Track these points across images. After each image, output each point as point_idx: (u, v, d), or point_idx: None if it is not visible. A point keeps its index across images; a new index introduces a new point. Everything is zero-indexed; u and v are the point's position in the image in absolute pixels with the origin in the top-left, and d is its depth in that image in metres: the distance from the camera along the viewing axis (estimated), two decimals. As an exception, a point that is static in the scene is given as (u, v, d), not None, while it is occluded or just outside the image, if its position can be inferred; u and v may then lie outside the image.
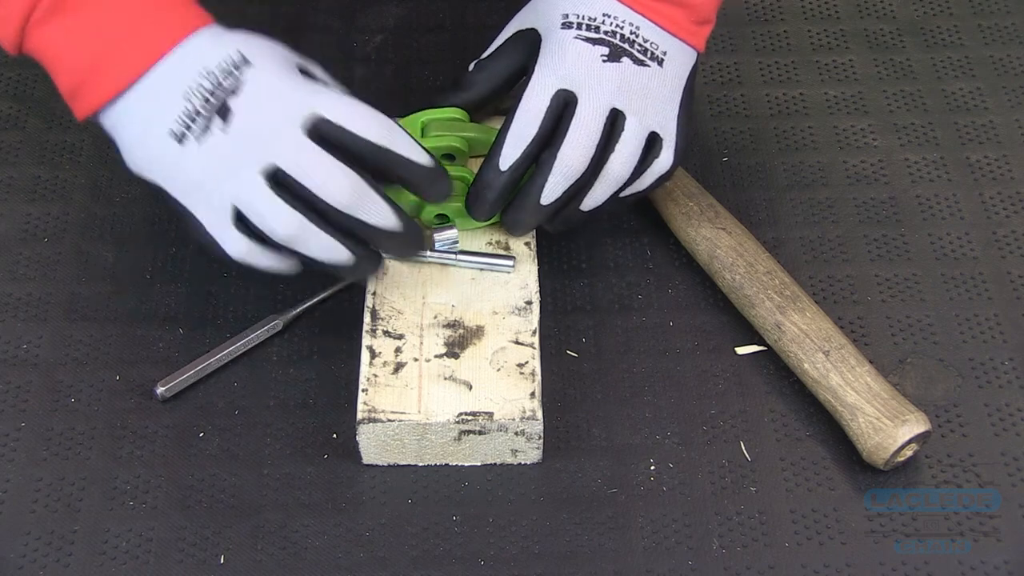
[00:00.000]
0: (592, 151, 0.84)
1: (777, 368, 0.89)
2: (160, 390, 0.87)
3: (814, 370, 0.85)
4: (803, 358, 0.86)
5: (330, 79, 0.83)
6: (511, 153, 0.85)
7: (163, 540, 0.81)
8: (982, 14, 1.13)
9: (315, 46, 1.10)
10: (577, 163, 0.84)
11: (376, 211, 0.79)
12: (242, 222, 0.78)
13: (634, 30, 0.87)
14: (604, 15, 0.87)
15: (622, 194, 0.88)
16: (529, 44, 0.89)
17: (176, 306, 0.93)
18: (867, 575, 0.80)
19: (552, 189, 0.85)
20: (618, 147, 0.85)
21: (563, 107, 0.85)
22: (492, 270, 0.88)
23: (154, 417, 0.87)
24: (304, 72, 0.81)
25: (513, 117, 0.85)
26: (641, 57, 0.86)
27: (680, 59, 0.88)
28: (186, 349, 0.90)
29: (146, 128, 0.78)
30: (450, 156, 0.91)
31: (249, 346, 0.90)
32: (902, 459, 0.83)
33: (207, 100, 0.77)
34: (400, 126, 0.81)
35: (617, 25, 0.86)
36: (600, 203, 0.87)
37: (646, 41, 0.87)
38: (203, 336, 0.91)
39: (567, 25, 0.86)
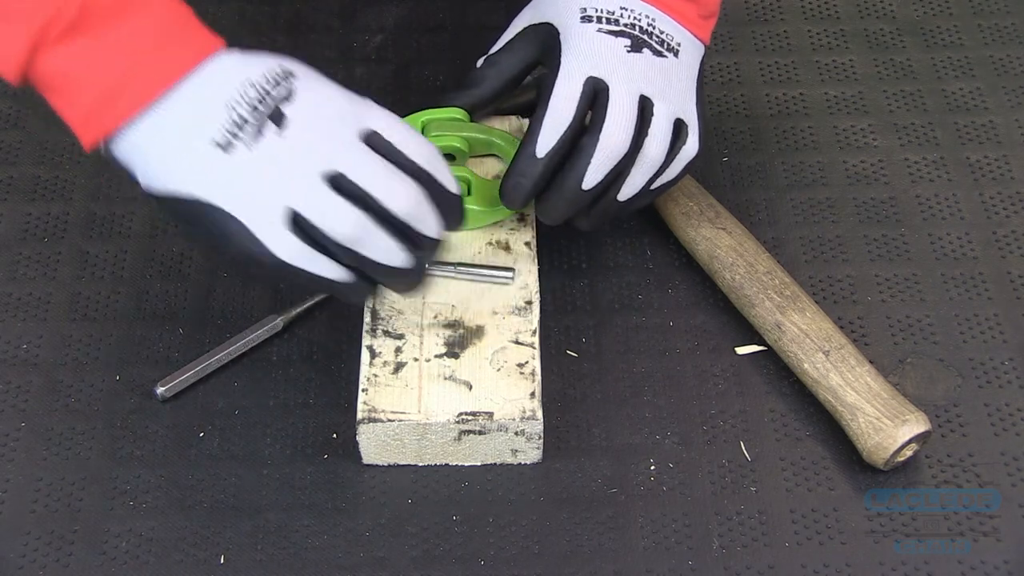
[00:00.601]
0: (631, 132, 0.84)
1: (777, 368, 0.89)
2: (160, 390, 0.87)
3: (814, 370, 0.85)
4: (803, 358, 0.86)
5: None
6: (547, 141, 0.84)
7: (163, 540, 0.81)
8: (982, 14, 1.13)
9: (315, 46, 1.11)
10: (619, 145, 0.84)
11: (430, 223, 0.79)
12: (297, 225, 0.75)
13: (651, 22, 0.88)
14: (621, 8, 0.87)
15: (653, 185, 0.87)
16: (543, 38, 0.89)
17: (176, 306, 0.93)
18: (867, 575, 0.80)
19: (594, 173, 0.84)
20: (651, 130, 0.85)
21: (594, 95, 0.85)
22: (492, 282, 0.88)
23: (154, 417, 0.87)
24: None
25: (547, 105, 0.85)
26: (659, 48, 0.87)
27: (692, 51, 0.89)
28: (186, 349, 0.90)
29: (183, 140, 0.75)
30: (450, 156, 0.91)
31: (249, 346, 0.90)
32: (902, 459, 0.83)
33: (255, 108, 0.75)
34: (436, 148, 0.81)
35: (635, 18, 0.87)
36: (637, 191, 0.86)
37: (662, 33, 0.88)
38: (203, 336, 0.91)
39: (587, 19, 0.87)
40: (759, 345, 0.91)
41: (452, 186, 0.79)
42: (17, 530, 0.82)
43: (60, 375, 0.89)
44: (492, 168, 0.93)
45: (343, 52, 1.10)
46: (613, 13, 0.87)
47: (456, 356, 0.85)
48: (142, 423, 0.87)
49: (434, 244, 0.79)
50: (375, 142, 0.77)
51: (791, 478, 0.84)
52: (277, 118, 0.75)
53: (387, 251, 0.77)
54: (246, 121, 0.75)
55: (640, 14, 0.88)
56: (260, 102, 0.75)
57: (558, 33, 0.88)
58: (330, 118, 0.77)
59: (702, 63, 0.90)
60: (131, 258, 0.96)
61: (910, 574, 0.80)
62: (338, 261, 0.77)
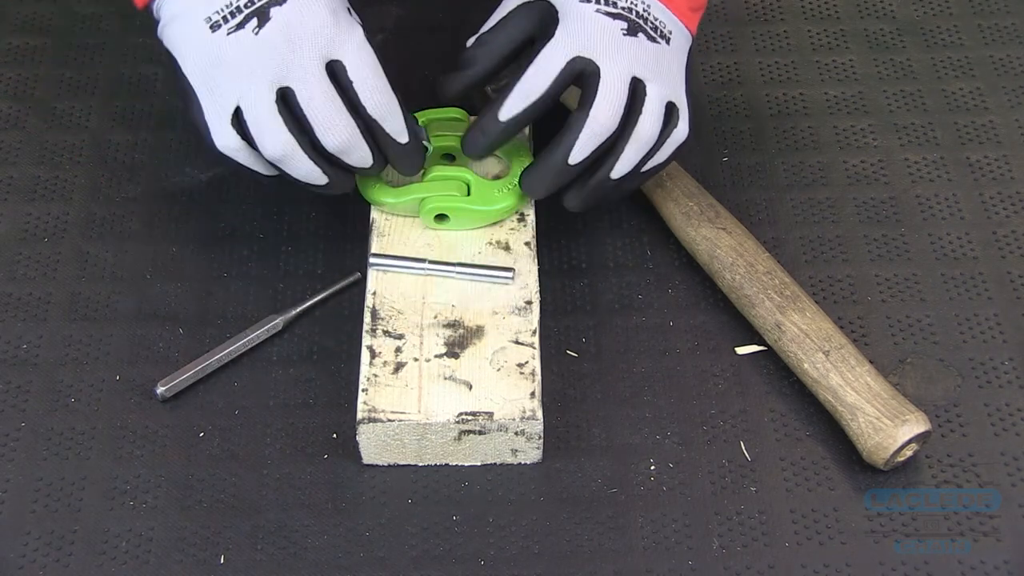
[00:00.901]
0: (620, 112, 0.85)
1: (777, 368, 0.89)
2: (160, 390, 0.87)
3: (814, 370, 0.85)
4: (803, 358, 0.86)
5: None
6: (513, 106, 0.86)
7: (163, 540, 0.81)
8: (982, 14, 1.13)
9: (315, 46, 1.10)
10: (608, 122, 0.84)
11: (361, 157, 0.85)
12: (239, 121, 0.82)
13: (646, 8, 0.88)
14: None
15: (644, 167, 0.88)
16: (539, 16, 0.89)
17: (176, 306, 0.93)
18: (867, 575, 0.80)
19: (581, 148, 0.84)
20: (645, 108, 0.86)
21: (577, 75, 0.85)
22: (492, 282, 0.89)
23: (154, 417, 0.87)
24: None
25: (523, 74, 0.85)
26: (653, 34, 0.88)
27: (681, 39, 0.90)
28: (186, 349, 0.90)
29: (188, 8, 0.83)
30: (450, 156, 0.91)
31: (249, 346, 0.90)
32: (902, 459, 0.83)
33: (251, 1, 0.81)
34: (400, 102, 0.85)
35: (632, 2, 0.88)
36: (630, 168, 0.86)
37: (656, 19, 0.88)
38: (203, 336, 0.91)
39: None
40: (759, 345, 0.90)
41: (400, 135, 0.85)
42: (17, 530, 0.82)
43: (60, 375, 0.89)
44: (492, 168, 0.93)
45: (343, 52, 1.10)
46: None
47: (456, 356, 0.85)
48: (142, 423, 0.87)
49: (363, 169, 0.85)
50: (337, 72, 0.83)
51: (791, 478, 0.84)
52: (263, 17, 0.81)
53: (307, 174, 0.84)
54: (240, 10, 0.81)
55: (638, 0, 0.88)
56: None
57: (556, 11, 0.88)
58: (305, 33, 0.82)
59: (690, 53, 0.91)
60: (131, 258, 0.96)
61: (910, 574, 0.80)
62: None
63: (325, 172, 0.84)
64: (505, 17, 0.91)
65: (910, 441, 0.82)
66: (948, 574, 0.80)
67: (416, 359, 0.85)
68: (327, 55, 0.82)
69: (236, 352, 0.89)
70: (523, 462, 0.85)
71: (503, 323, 0.87)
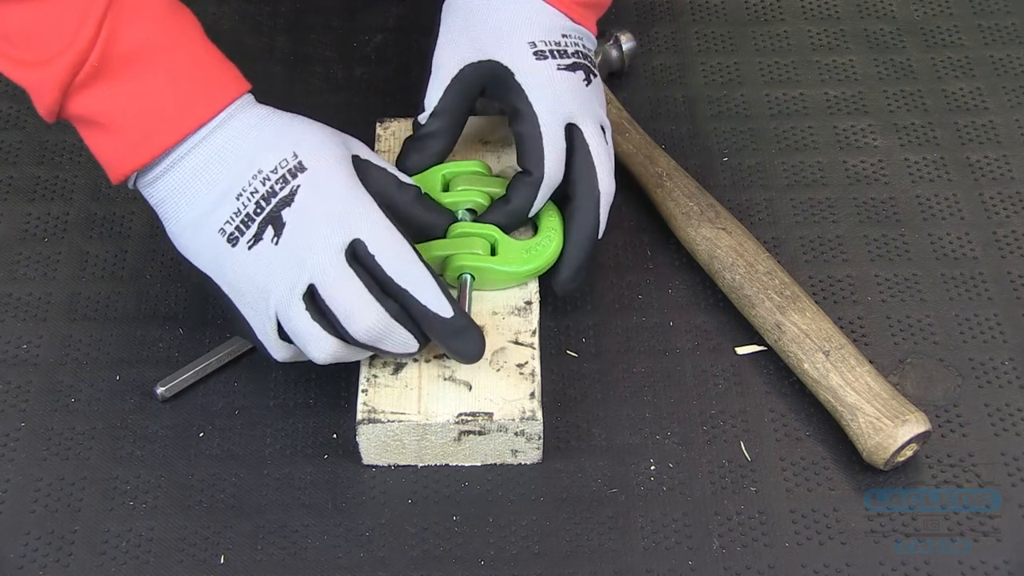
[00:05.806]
0: (613, 170, 0.87)
1: (777, 368, 0.89)
2: (160, 390, 0.87)
3: (814, 370, 0.85)
4: (803, 358, 0.86)
5: (382, 163, 0.83)
6: (541, 200, 0.86)
7: (163, 540, 0.81)
8: (982, 14, 1.13)
9: (315, 46, 1.11)
10: (612, 188, 0.87)
11: (398, 341, 0.79)
12: (282, 330, 0.79)
13: (584, 43, 0.89)
14: (563, 36, 0.88)
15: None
16: (488, 76, 0.87)
17: (176, 306, 0.93)
18: (867, 575, 0.80)
19: (603, 221, 0.87)
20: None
21: (570, 139, 0.86)
22: None
23: (154, 417, 0.87)
24: (357, 163, 0.81)
25: (544, 167, 0.85)
26: (593, 69, 0.89)
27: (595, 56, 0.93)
28: (186, 349, 0.90)
29: (197, 219, 0.79)
30: (472, 211, 0.89)
31: (249, 346, 0.90)
32: (902, 459, 0.83)
33: (259, 206, 0.78)
34: (433, 273, 0.79)
35: (575, 43, 0.88)
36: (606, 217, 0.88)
37: (588, 50, 0.90)
38: (203, 336, 0.91)
39: (541, 55, 0.86)
40: (759, 345, 0.91)
41: (440, 307, 0.79)
42: (17, 530, 0.82)
43: (60, 375, 0.89)
44: None
45: (343, 52, 1.10)
46: (559, 44, 0.87)
47: (456, 356, 0.85)
48: (142, 423, 0.87)
49: (409, 355, 0.81)
50: (359, 253, 0.78)
51: (791, 478, 0.84)
52: (277, 225, 0.77)
53: (362, 355, 0.82)
54: (251, 218, 0.78)
55: (577, 38, 0.88)
56: (265, 200, 0.77)
57: (508, 71, 0.86)
58: (320, 227, 0.77)
59: None
60: (131, 258, 0.96)
61: (910, 574, 0.80)
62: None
63: (380, 352, 0.81)
64: (452, 83, 0.87)
65: (910, 441, 0.82)
66: (948, 574, 0.80)
67: (416, 359, 0.85)
68: (345, 237, 0.77)
69: (236, 352, 0.89)
70: (523, 462, 0.85)
71: (503, 323, 0.86)
